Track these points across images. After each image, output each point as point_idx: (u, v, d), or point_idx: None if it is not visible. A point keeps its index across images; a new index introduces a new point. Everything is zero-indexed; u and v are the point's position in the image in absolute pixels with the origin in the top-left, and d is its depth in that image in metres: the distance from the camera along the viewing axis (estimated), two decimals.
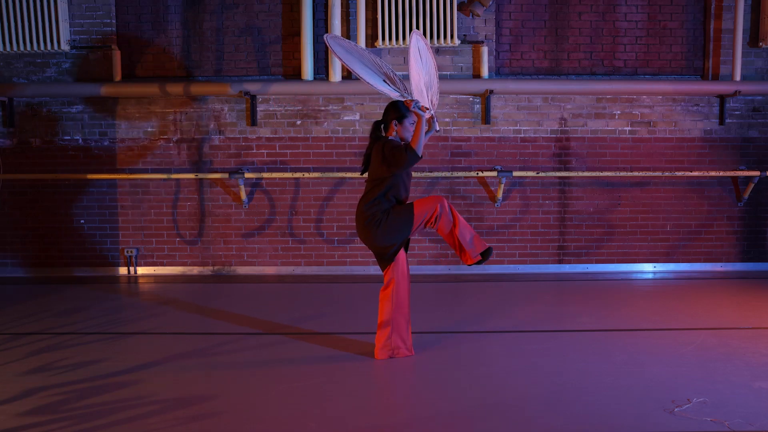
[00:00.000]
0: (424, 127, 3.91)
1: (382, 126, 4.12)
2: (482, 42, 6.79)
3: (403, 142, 4.03)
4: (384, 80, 4.07)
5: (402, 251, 4.06)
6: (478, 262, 4.01)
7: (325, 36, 4.00)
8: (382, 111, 6.89)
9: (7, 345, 4.43)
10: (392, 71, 4.07)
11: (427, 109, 4.00)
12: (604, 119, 6.94)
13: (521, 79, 6.82)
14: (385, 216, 3.95)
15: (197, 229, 7.00)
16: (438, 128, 4.40)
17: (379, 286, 6.08)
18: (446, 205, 3.98)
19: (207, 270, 7.03)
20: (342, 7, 6.68)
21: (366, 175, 4.15)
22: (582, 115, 6.93)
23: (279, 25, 6.89)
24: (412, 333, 4.37)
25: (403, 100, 4.03)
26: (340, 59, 3.99)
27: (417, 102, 3.95)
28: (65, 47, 6.72)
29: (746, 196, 6.93)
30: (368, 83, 4.05)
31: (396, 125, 4.03)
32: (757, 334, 4.55)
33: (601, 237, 7.02)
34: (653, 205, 7.00)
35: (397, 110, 4.04)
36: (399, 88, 4.06)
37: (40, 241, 7.02)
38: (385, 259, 4.03)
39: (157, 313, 5.34)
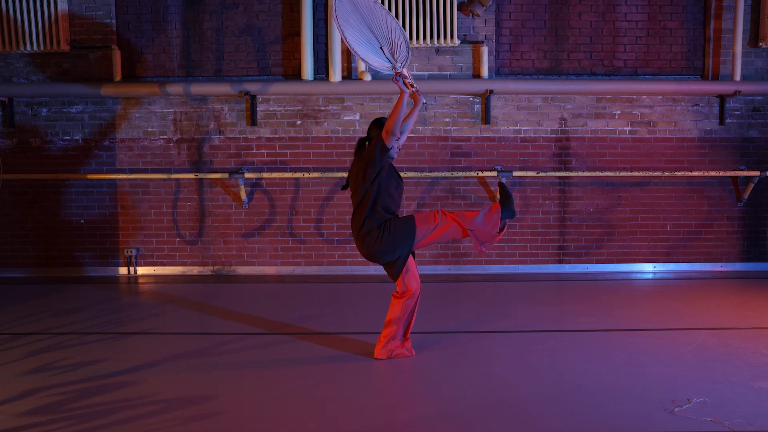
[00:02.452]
0: (404, 103, 3.80)
1: (367, 143, 4.10)
2: (482, 42, 6.78)
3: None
4: (381, 47, 3.93)
5: (411, 259, 4.04)
6: (509, 216, 3.89)
7: None
8: (382, 111, 6.90)
9: (7, 345, 4.43)
10: (402, 38, 3.89)
11: (412, 85, 3.88)
12: (604, 119, 6.94)
13: (521, 79, 6.81)
14: (384, 232, 3.87)
15: (197, 229, 7.00)
16: (424, 101, 4.26)
17: (380, 286, 6.11)
18: (446, 215, 3.92)
19: (207, 270, 7.03)
20: None
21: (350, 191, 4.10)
22: (582, 115, 6.93)
23: (279, 25, 6.89)
24: (413, 333, 4.37)
25: (392, 72, 3.93)
26: (337, 20, 3.85)
27: (402, 75, 3.86)
28: (65, 47, 6.72)
29: (746, 196, 6.93)
30: (355, 52, 3.94)
31: None
32: (757, 334, 4.55)
33: (601, 237, 7.02)
34: (653, 205, 7.00)
35: (381, 126, 4.01)
36: (394, 58, 3.93)
37: (40, 241, 7.02)
38: (394, 271, 4.00)
39: (157, 313, 5.34)
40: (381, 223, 3.90)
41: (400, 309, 4.01)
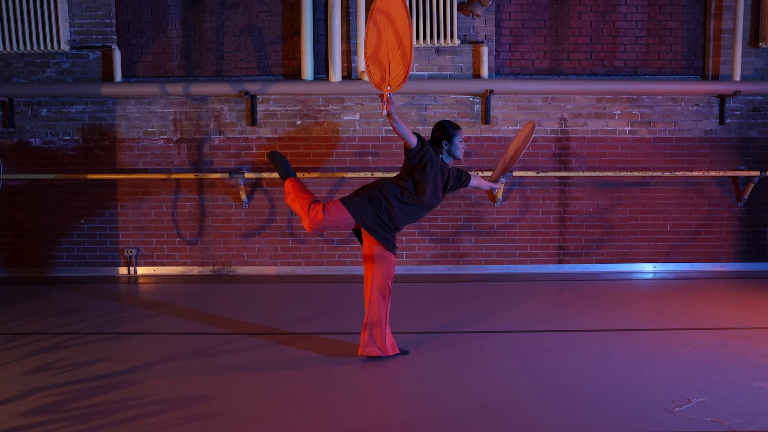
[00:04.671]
0: (393, 122, 3.73)
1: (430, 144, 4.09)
2: (482, 42, 6.79)
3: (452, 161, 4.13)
4: (389, 62, 3.86)
5: (388, 253, 4.03)
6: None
7: None
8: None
9: (7, 345, 4.43)
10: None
11: (385, 101, 3.73)
12: (604, 119, 6.94)
13: (521, 79, 6.81)
14: (376, 201, 3.94)
15: (197, 229, 7.00)
16: (497, 186, 4.47)
17: None
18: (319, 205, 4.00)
19: (207, 270, 7.03)
20: (342, 7, 6.68)
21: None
22: (582, 115, 6.93)
23: (279, 25, 6.89)
24: (414, 333, 4.37)
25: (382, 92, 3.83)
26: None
27: (384, 97, 3.74)
28: (65, 47, 6.72)
29: (746, 196, 6.93)
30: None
31: (446, 145, 4.05)
32: (757, 334, 4.55)
33: (601, 237, 7.02)
34: (653, 205, 7.00)
35: (444, 130, 4.06)
36: (390, 79, 3.83)
37: (41, 241, 7.02)
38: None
39: (157, 313, 5.34)
40: (385, 200, 3.95)
41: (373, 304, 4.01)
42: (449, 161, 4.12)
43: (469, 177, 4.30)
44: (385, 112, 3.71)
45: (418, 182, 3.95)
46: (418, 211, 4.08)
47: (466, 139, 6.87)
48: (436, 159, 3.97)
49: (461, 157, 4.15)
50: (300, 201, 4.04)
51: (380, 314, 4.03)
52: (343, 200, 4.00)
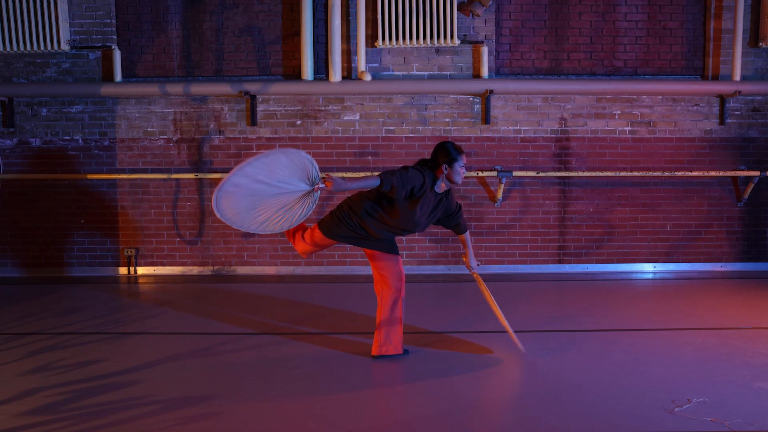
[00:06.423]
0: (355, 187, 3.71)
1: (429, 165, 3.94)
2: (482, 42, 6.79)
3: (450, 184, 3.96)
4: (299, 179, 3.72)
5: (389, 254, 4.05)
6: None
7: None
8: (382, 111, 6.92)
9: (7, 345, 4.43)
10: (307, 159, 3.72)
11: (320, 188, 3.72)
12: (604, 119, 6.94)
13: (521, 79, 6.81)
14: (346, 219, 3.97)
15: (197, 229, 7.00)
16: (473, 267, 4.44)
17: None
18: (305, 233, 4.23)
19: (207, 270, 7.03)
20: (342, 7, 6.68)
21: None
22: (582, 115, 6.93)
23: (279, 25, 6.89)
24: (414, 333, 4.37)
25: (312, 188, 3.74)
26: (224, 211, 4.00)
27: (319, 189, 3.73)
28: (65, 47, 6.72)
29: (746, 196, 6.93)
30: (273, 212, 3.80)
31: (446, 169, 3.86)
32: (757, 334, 4.55)
33: (601, 237, 7.02)
34: (653, 205, 7.00)
35: (447, 153, 3.86)
36: (310, 180, 3.74)
37: (40, 241, 7.02)
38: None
39: (156, 313, 5.34)
40: (352, 214, 3.96)
41: (379, 306, 4.08)
42: (446, 185, 3.94)
43: (466, 228, 4.25)
44: (340, 191, 3.76)
45: (394, 205, 3.83)
46: (394, 231, 3.97)
47: (466, 140, 6.87)
48: (421, 191, 3.78)
49: (459, 183, 3.93)
50: (288, 235, 4.33)
51: (395, 313, 4.05)
52: (319, 224, 4.12)
